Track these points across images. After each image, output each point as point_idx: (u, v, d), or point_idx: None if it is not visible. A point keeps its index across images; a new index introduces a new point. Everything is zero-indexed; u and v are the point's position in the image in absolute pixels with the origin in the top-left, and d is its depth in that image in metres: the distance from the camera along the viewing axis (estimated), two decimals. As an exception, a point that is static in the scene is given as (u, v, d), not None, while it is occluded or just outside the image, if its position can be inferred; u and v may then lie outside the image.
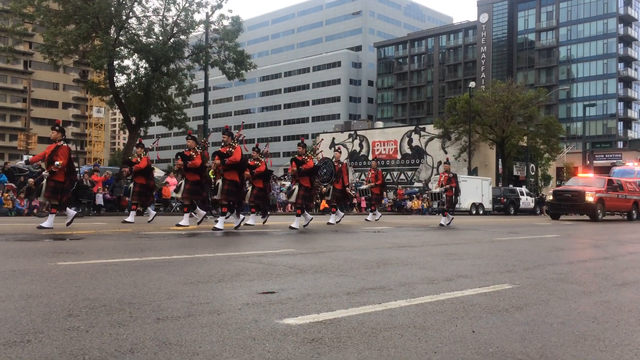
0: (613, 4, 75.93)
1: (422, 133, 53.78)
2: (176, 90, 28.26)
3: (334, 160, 15.09)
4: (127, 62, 27.38)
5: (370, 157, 56.87)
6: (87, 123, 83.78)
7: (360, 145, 57.77)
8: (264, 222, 13.87)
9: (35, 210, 17.98)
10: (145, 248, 7.29)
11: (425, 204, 34.67)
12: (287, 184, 30.88)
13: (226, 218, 11.71)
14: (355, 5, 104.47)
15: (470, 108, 44.75)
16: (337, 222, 14.87)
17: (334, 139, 59.88)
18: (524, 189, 40.09)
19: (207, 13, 26.86)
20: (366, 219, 18.21)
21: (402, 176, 53.96)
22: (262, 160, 13.57)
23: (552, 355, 2.78)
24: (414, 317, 3.51)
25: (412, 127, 57.25)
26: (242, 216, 11.85)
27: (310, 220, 13.17)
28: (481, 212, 35.06)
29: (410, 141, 54.45)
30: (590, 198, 21.82)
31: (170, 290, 4.14)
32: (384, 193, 21.11)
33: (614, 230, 15.48)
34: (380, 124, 68.46)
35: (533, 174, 50.89)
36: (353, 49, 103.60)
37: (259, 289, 4.29)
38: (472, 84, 48.26)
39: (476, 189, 36.01)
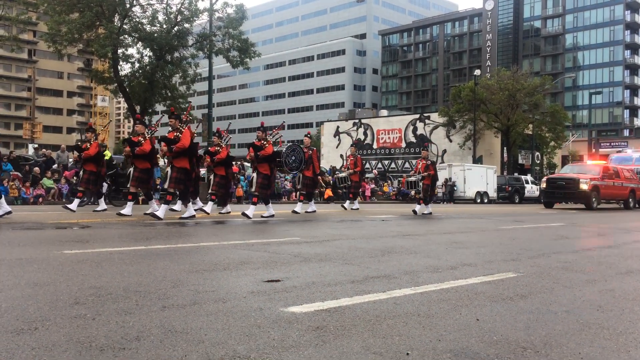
0: (620, -10, 75.24)
1: (427, 121, 53.63)
2: (180, 79, 28.26)
3: (303, 146, 14.16)
4: (131, 51, 27.39)
5: (375, 146, 56.79)
6: (92, 112, 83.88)
7: (365, 134, 57.66)
8: (224, 212, 13.04)
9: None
10: (151, 237, 7.33)
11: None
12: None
13: (171, 205, 10.96)
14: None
15: (475, 96, 44.55)
16: (307, 212, 14.19)
17: (338, 127, 59.79)
18: (529, 177, 39.97)
19: (210, 1, 26.75)
20: (343, 206, 17.34)
21: (407, 165, 53.90)
22: (224, 146, 12.86)
23: (557, 343, 2.78)
24: (419, 305, 3.52)
25: (417, 116, 57.08)
26: (192, 206, 11.16)
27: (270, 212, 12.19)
28: (486, 200, 35.01)
29: (414, 129, 54.31)
30: (584, 186, 21.22)
31: (175, 279, 4.16)
32: (363, 181, 20.41)
33: (617, 219, 15.45)
34: (384, 112, 68.28)
35: (538, 162, 50.72)
36: (357, 37, 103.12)
37: (264, 277, 4.31)
38: (477, 72, 48.05)
39: (481, 178, 35.94)
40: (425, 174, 15.21)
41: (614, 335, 2.97)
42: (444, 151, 51.79)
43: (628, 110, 77.36)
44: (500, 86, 46.23)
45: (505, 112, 46.29)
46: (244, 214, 11.41)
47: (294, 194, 27.92)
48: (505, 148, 48.31)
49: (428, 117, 54.22)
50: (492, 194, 36.18)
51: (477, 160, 44.07)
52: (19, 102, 79.65)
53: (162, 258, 5.24)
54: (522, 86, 45.72)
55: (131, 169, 11.43)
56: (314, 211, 14.50)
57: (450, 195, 34.70)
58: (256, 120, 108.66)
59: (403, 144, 54.86)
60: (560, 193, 22.33)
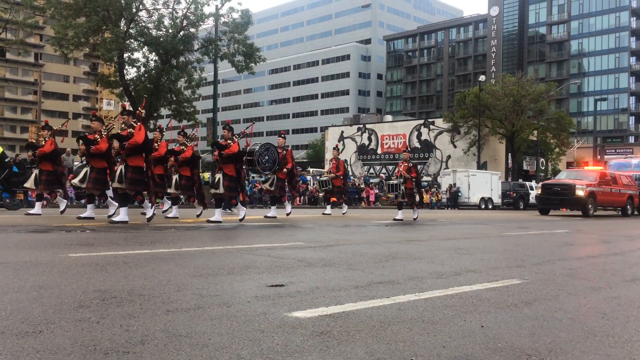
0: (625, -3, 75.17)
1: (431, 127, 53.62)
2: (186, 83, 28.38)
3: (277, 147, 13.53)
4: (137, 55, 27.54)
5: (379, 151, 56.77)
6: (98, 115, 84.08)
7: (369, 139, 57.68)
8: (197, 215, 12.53)
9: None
10: (155, 240, 7.33)
11: (434, 199, 34.61)
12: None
13: (121, 207, 10.07)
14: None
15: (480, 102, 44.53)
16: (266, 217, 13.42)
17: (342, 132, 59.82)
18: (533, 183, 39.86)
19: (216, 6, 26.93)
20: (323, 213, 16.65)
21: (411, 170, 53.80)
22: (189, 145, 12.37)
23: (562, 350, 2.77)
24: (423, 311, 3.51)
25: (421, 121, 57.08)
26: (151, 207, 10.52)
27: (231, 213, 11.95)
28: (490, 206, 34.95)
29: (419, 135, 54.30)
30: (580, 192, 20.61)
31: (179, 283, 4.17)
32: (346, 185, 19.25)
33: (620, 226, 15.39)
34: (389, 117, 68.33)
35: (543, 168, 50.59)
36: (362, 42, 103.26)
37: (268, 282, 4.31)
38: (482, 78, 48.04)
39: (485, 184, 35.89)
40: (408, 176, 14.46)
41: (620, 343, 2.96)
42: (449, 157, 51.73)
43: (633, 117, 77.16)
44: (505, 92, 46.20)
45: (510, 118, 46.24)
46: (209, 221, 10.76)
47: (297, 199, 27.95)
48: (509, 154, 48.24)
49: (432, 123, 54.21)
50: (497, 200, 36.11)
51: (481, 166, 44.00)
52: (25, 106, 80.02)
53: (166, 262, 5.24)
54: (527, 92, 45.67)
55: (86, 169, 10.62)
56: (275, 217, 13.41)
57: (455, 201, 34.65)
58: (261, 125, 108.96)
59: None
60: (556, 199, 21.75)
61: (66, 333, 2.72)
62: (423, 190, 36.79)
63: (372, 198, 31.88)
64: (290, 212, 14.00)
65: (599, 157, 44.63)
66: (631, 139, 73.80)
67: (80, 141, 10.52)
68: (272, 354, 2.52)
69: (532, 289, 4.46)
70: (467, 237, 9.87)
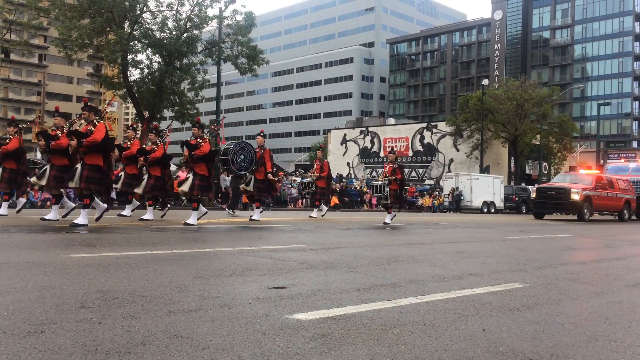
0: (629, 1, 74.97)
1: (434, 130, 53.61)
2: (189, 85, 28.44)
3: (255, 146, 12.93)
4: (140, 57, 27.62)
5: (381, 154, 56.78)
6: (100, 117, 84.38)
7: (372, 142, 57.68)
8: (162, 217, 12.20)
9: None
10: (157, 242, 7.34)
11: (436, 202, 34.59)
12: (298, 179, 30.84)
13: (85, 209, 9.33)
14: (368, 2, 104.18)
15: (483, 106, 44.51)
16: (251, 219, 12.72)
17: (345, 135, 59.84)
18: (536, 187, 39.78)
19: (220, 8, 26.98)
20: (310, 216, 16.26)
21: (414, 173, 53.85)
22: (160, 144, 11.89)
23: (563, 355, 2.77)
24: (424, 314, 3.51)
25: (424, 124, 57.08)
26: (105, 205, 10.08)
27: (205, 213, 11.30)
28: (492, 210, 34.91)
29: (422, 138, 54.29)
30: (575, 196, 20.18)
31: (181, 284, 4.17)
32: (331, 187, 18.56)
33: (625, 230, 15.34)
34: (392, 120, 68.32)
35: (546, 172, 50.54)
36: (365, 45, 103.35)
37: (269, 284, 4.31)
38: (485, 82, 48.02)
39: (488, 187, 35.86)
40: (393, 177, 13.68)
41: (622, 348, 2.95)
42: (451, 160, 51.70)
43: (637, 121, 76.95)
44: (508, 96, 46.19)
45: (513, 122, 46.23)
46: (186, 224, 10.35)
47: (300, 201, 27.94)
48: (512, 158, 48.21)
49: (435, 126, 54.20)
50: (499, 203, 36.07)
51: (484, 169, 43.98)
52: (29, 107, 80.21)
53: (168, 263, 5.25)
54: (530, 96, 45.67)
55: (46, 167, 10.07)
56: (258, 220, 12.74)
57: (457, 204, 34.64)
58: (263, 127, 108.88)
59: (410, 153, 54.82)
60: (551, 203, 21.21)
61: (68, 333, 2.73)
62: (426, 193, 37.00)
63: (374, 201, 31.86)
64: (255, 218, 12.71)
65: (601, 161, 44.53)
66: (634, 144, 73.64)
67: (40, 136, 10.09)
68: (273, 356, 2.52)
69: (534, 293, 4.45)
70: (469, 240, 9.86)
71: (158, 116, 27.63)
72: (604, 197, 21.34)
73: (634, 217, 23.58)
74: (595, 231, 14.49)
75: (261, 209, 13.56)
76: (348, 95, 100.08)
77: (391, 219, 13.98)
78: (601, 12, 77.33)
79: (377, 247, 7.91)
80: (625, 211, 22.46)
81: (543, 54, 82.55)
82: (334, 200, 27.21)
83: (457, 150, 51.29)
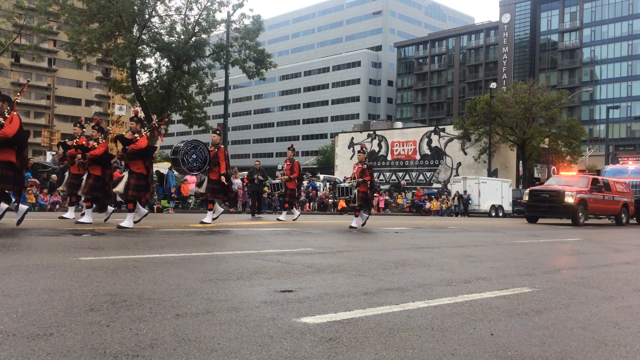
0: (638, 4, 74.62)
1: (442, 134, 53.47)
2: (197, 89, 28.57)
3: (209, 145, 12.27)
4: (149, 61, 27.79)
5: (389, 158, 56.69)
6: (109, 120, 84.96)
7: (379, 146, 57.62)
8: (105, 220, 11.30)
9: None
10: (165, 245, 7.37)
11: (444, 206, 34.49)
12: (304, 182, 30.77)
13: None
14: (376, 5, 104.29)
15: (491, 109, 44.37)
16: (202, 222, 11.89)
17: (352, 138, 59.80)
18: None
19: (228, 12, 27.09)
20: (278, 219, 15.47)
21: (421, 177, 53.73)
22: (102, 141, 10.96)
23: (572, 360, 2.75)
24: (432, 318, 3.50)
25: (432, 128, 56.93)
26: (24, 207, 9.05)
27: (146, 214, 10.54)
28: (501, 214, 34.75)
29: (429, 142, 54.16)
30: (570, 199, 19.36)
31: (189, 287, 4.18)
32: (301, 188, 17.46)
33: (635, 235, 15.23)
34: (399, 124, 68.22)
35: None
36: (373, 49, 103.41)
37: (277, 288, 4.31)
38: (493, 85, 47.86)
39: (496, 191, 35.71)
40: (361, 179, 12.88)
41: (631, 353, 2.93)
42: (459, 164, 51.55)
43: (646, 125, 76.47)
44: (516, 99, 46.00)
45: (521, 125, 46.03)
46: (119, 227, 9.68)
47: (307, 204, 27.92)
48: (520, 162, 47.98)
49: (443, 130, 54.06)
50: (507, 207, 35.90)
51: (492, 173, 43.81)
52: (38, 110, 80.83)
53: (176, 266, 5.26)
54: (538, 100, 45.47)
55: None
56: (210, 222, 12.04)
57: (465, 208, 34.51)
58: (271, 130, 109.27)
59: (417, 156, 54.72)
60: (544, 207, 20.30)
61: (76, 336, 2.74)
62: (433, 197, 36.88)
63: (381, 204, 31.82)
64: (207, 222, 11.93)
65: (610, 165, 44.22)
66: (644, 147, 73.16)
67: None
68: (280, 360, 2.52)
69: (542, 298, 4.42)
70: (477, 244, 9.82)
71: (166, 120, 27.76)
72: (600, 200, 20.56)
73: (632, 220, 22.87)
74: (605, 235, 14.39)
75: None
76: (355, 99, 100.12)
77: (362, 223, 13.16)
78: (610, 14, 76.98)
79: (384, 250, 7.89)
80: (623, 215, 21.63)
81: (551, 57, 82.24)
82: (341, 203, 27.13)
83: (465, 153, 51.13)
